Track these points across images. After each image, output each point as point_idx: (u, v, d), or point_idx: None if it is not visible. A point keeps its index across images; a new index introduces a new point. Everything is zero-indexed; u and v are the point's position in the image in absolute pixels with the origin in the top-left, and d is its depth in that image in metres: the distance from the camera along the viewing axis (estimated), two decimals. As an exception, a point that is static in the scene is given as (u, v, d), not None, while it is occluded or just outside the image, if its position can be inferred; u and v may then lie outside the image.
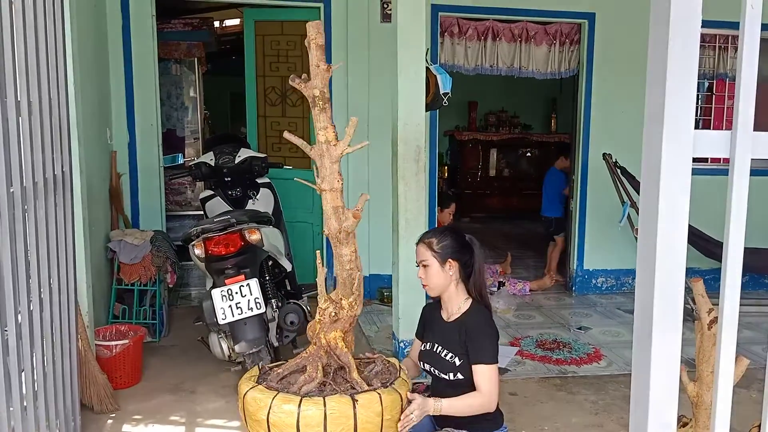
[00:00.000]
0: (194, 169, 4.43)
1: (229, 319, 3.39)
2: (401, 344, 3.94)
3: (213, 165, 4.38)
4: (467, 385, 2.42)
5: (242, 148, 4.49)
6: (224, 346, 3.59)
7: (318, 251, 2.36)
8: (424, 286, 2.54)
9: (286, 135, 2.24)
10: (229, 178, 4.39)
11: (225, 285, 3.44)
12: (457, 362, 2.44)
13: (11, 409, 2.08)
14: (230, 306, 3.40)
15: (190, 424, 3.37)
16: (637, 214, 5.38)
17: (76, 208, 3.18)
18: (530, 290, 5.96)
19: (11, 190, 2.13)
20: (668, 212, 1.65)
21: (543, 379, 3.99)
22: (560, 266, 6.36)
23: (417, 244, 2.56)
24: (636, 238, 5.46)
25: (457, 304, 2.52)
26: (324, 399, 2.03)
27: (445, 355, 2.48)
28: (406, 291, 3.94)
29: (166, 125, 6.16)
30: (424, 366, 2.58)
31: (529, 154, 10.65)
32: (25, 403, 2.24)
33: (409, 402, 2.23)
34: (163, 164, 5.36)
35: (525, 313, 5.39)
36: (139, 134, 5.23)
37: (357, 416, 2.04)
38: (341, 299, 2.23)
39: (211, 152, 4.49)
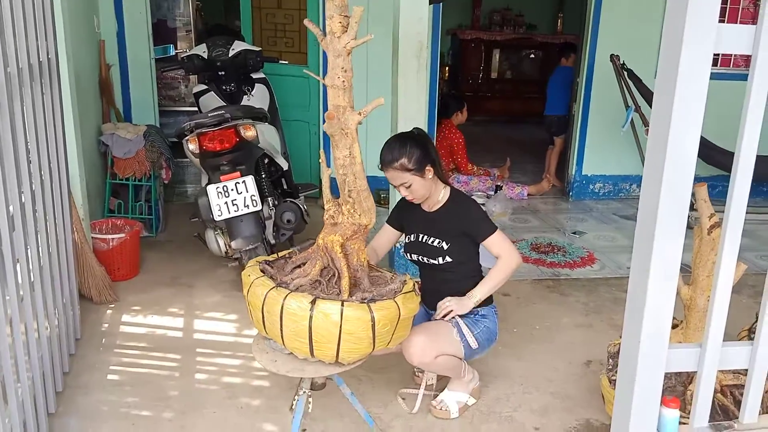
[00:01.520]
0: (186, 61, 4.27)
1: (225, 215, 3.37)
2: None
3: (206, 58, 4.23)
4: (457, 266, 2.58)
5: (236, 41, 4.32)
6: (221, 242, 3.59)
7: (322, 150, 2.37)
8: (411, 200, 2.57)
9: (306, 22, 2.14)
10: (222, 72, 4.25)
11: (220, 181, 3.39)
12: (445, 246, 2.57)
13: (7, 297, 2.08)
14: (226, 203, 3.37)
15: (188, 315, 3.43)
16: (641, 118, 5.31)
17: (64, 97, 3.08)
18: (528, 194, 5.95)
19: (-6, 75, 2.03)
20: (683, 111, 1.58)
21: (536, 281, 4.04)
22: (559, 171, 6.32)
23: (384, 169, 2.50)
24: (638, 144, 5.41)
25: (437, 195, 2.61)
26: (285, 298, 2.03)
27: (432, 242, 2.58)
28: (403, 192, 3.90)
29: (156, 15, 5.88)
30: (411, 257, 2.69)
31: (532, 56, 10.34)
32: (21, 293, 2.24)
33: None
34: (155, 56, 5.17)
35: (521, 217, 5.40)
36: (127, 23, 5.01)
37: (312, 324, 2.02)
38: (342, 204, 2.19)
39: (204, 44, 4.32)
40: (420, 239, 2.62)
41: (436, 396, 2.69)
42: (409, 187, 2.49)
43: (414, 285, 2.28)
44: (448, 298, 2.53)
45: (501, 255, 2.52)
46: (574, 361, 3.09)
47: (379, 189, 5.49)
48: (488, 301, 2.64)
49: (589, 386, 2.87)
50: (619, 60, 5.34)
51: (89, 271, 3.41)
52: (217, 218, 3.38)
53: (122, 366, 2.92)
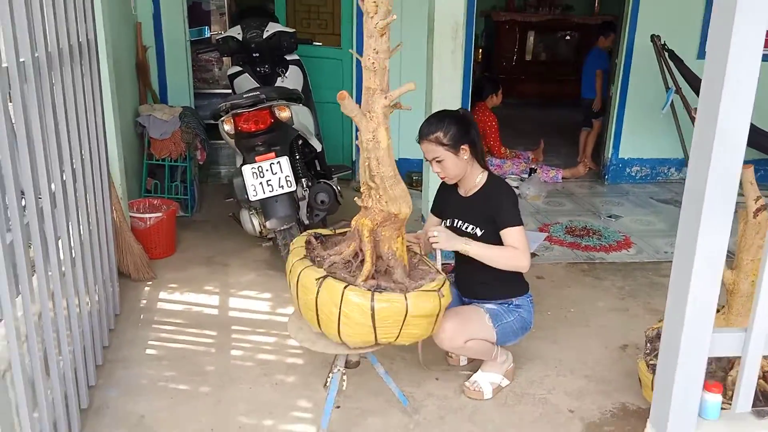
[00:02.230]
0: (221, 43, 4.30)
1: (260, 196, 3.40)
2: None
3: (240, 39, 4.24)
4: None
5: (270, 23, 4.33)
6: (255, 222, 3.62)
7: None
8: (442, 178, 2.55)
9: None
10: (257, 54, 4.26)
11: (255, 162, 3.41)
12: (479, 233, 2.53)
13: (50, 273, 2.13)
14: (261, 183, 3.39)
15: (223, 293, 3.48)
16: (682, 100, 5.16)
17: (103, 78, 3.12)
18: (563, 178, 5.86)
19: (36, 55, 2.07)
20: (733, 89, 1.53)
21: (571, 265, 4.00)
22: (594, 155, 6.21)
23: (420, 141, 2.50)
24: (678, 127, 5.29)
25: (473, 179, 2.57)
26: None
27: (466, 228, 2.56)
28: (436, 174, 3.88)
29: (191, -3, 5.92)
30: None
31: (568, 37, 10.13)
32: (63, 269, 2.29)
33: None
34: (190, 38, 5.20)
35: (555, 200, 5.33)
36: (163, 5, 5.03)
37: (318, 299, 2.07)
38: (370, 189, 2.17)
39: (239, 26, 4.33)
40: (455, 224, 2.60)
41: (469, 377, 2.68)
42: (441, 162, 2.46)
43: (440, 285, 2.18)
44: (440, 228, 2.47)
45: (517, 249, 2.45)
46: (610, 345, 3.05)
47: (411, 171, 5.47)
48: (523, 290, 2.62)
49: (625, 370, 2.84)
50: (659, 40, 5.20)
51: (128, 249, 3.47)
52: (252, 198, 3.41)
53: (160, 341, 2.98)
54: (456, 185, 2.63)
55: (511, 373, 2.72)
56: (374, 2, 2.00)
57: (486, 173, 2.57)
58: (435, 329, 2.25)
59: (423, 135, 2.48)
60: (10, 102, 1.86)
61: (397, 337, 2.12)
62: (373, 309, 2.02)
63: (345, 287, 2.03)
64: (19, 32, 1.92)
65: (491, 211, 2.48)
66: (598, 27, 6.70)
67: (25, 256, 1.88)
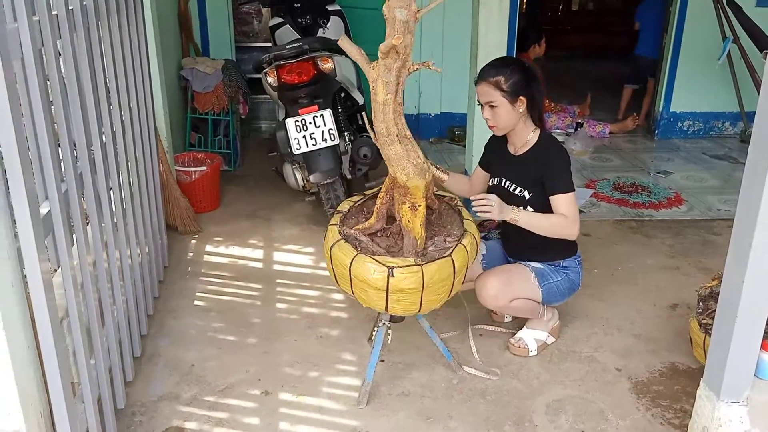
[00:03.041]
0: (263, -7, 4.24)
1: (304, 149, 3.38)
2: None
3: (282, -11, 4.18)
4: None
5: None
6: (298, 176, 3.61)
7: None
8: (491, 126, 2.43)
9: None
10: (298, 4, 4.20)
11: (299, 115, 3.38)
12: (527, 195, 2.43)
13: (103, 224, 2.16)
14: (304, 136, 3.36)
15: (267, 247, 3.51)
16: (739, 50, 4.96)
17: (148, 30, 3.11)
18: (610, 132, 5.70)
19: (83, 3, 2.05)
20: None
21: (618, 222, 3.91)
22: (639, 108, 5.98)
23: (478, 82, 2.38)
24: (734, 79, 5.06)
25: (524, 137, 2.46)
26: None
27: (514, 190, 2.46)
28: (481, 130, 3.79)
29: (231, -54, 5.84)
30: None
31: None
32: (115, 220, 2.33)
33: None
34: (231, -11, 5.15)
35: (602, 156, 5.19)
36: (204, -46, 4.99)
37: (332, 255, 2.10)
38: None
39: (280, -25, 4.26)
40: (502, 184, 2.51)
41: (514, 334, 2.67)
42: (494, 108, 2.35)
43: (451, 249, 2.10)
44: (492, 196, 2.29)
45: (567, 216, 2.34)
46: (659, 304, 2.99)
47: (453, 126, 5.39)
48: (571, 252, 2.54)
49: (675, 329, 2.78)
50: (717, -14, 4.96)
51: (174, 202, 3.51)
52: (295, 152, 3.39)
53: (207, 293, 3.03)
54: (506, 141, 2.54)
55: (557, 330, 2.69)
56: None
57: (538, 131, 2.45)
58: (455, 289, 2.18)
59: (483, 76, 2.36)
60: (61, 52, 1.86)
61: (420, 306, 2.10)
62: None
63: (354, 257, 2.04)
64: (67, -19, 1.90)
65: (541, 173, 2.38)
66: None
67: (79, 205, 1.90)
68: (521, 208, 2.40)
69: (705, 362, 2.06)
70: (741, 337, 1.85)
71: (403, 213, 2.11)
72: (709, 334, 2.17)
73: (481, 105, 2.40)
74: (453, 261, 2.05)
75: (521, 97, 2.35)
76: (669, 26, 5.42)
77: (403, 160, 2.03)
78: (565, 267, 2.53)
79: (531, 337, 2.62)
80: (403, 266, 1.99)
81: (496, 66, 2.38)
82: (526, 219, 2.34)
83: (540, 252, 2.50)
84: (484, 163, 2.69)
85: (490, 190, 2.59)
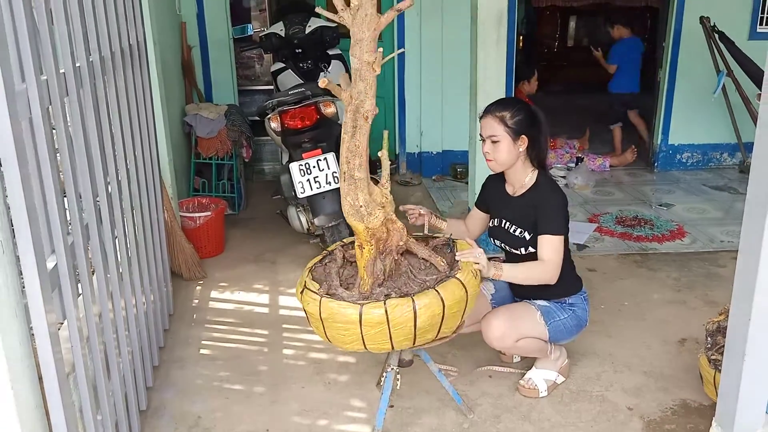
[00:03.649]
0: (264, 40, 4.32)
1: (308, 192, 3.41)
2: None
3: (283, 36, 4.25)
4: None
5: (312, 18, 4.32)
6: (303, 219, 3.63)
7: (386, 131, 2.18)
8: (489, 161, 2.44)
9: None
10: (300, 50, 4.27)
11: (302, 159, 3.42)
12: (527, 236, 2.44)
13: (108, 275, 2.17)
14: (308, 180, 3.40)
15: (272, 291, 3.50)
16: (734, 83, 5.02)
17: (153, 80, 3.17)
18: (610, 166, 5.73)
19: (90, 60, 2.09)
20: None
21: (623, 256, 3.90)
22: (641, 141, 6.02)
23: (483, 117, 2.42)
24: (730, 111, 5.12)
25: (523, 178, 2.48)
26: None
27: (514, 231, 2.47)
28: (483, 167, 3.81)
29: (232, -5, 5.97)
30: (494, 242, 2.59)
31: (611, 21, 9.90)
32: (120, 270, 2.33)
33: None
34: (233, 35, 5.24)
35: (604, 190, 5.21)
36: (207, 5, 5.10)
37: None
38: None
39: (281, 23, 4.34)
40: (503, 225, 2.52)
41: (523, 374, 2.64)
42: (496, 143, 2.37)
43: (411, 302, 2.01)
44: (480, 252, 2.17)
45: (543, 258, 2.33)
46: (668, 339, 2.97)
47: (455, 163, 5.43)
48: (576, 288, 2.55)
49: (685, 365, 2.76)
50: (709, 22, 5.04)
51: (179, 248, 3.52)
52: (300, 195, 3.42)
53: (213, 341, 3.01)
54: (504, 181, 2.56)
55: (566, 369, 2.66)
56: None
57: (536, 173, 2.47)
58: (441, 330, 2.10)
59: (489, 110, 2.40)
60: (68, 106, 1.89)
61: (414, 340, 2.06)
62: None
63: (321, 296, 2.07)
64: (75, 38, 1.95)
65: (536, 214, 2.39)
66: (639, 12, 6.41)
67: (85, 257, 1.91)
68: (519, 249, 2.42)
69: (716, 399, 2.04)
70: (750, 374, 1.84)
71: (356, 251, 2.13)
72: (719, 370, 2.16)
73: (483, 139, 2.42)
74: (414, 304, 1.98)
75: (523, 136, 2.38)
76: (663, 61, 5.50)
77: (344, 198, 2.05)
78: (572, 304, 2.52)
79: (540, 377, 2.59)
80: (344, 302, 2.03)
81: (503, 102, 2.44)
82: (508, 273, 2.29)
83: (544, 290, 2.48)
84: (481, 204, 2.70)
85: (491, 231, 2.61)
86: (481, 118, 2.43)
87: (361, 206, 2.03)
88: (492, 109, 2.40)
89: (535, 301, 2.51)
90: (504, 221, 2.52)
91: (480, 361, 2.79)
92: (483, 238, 2.97)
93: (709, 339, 2.53)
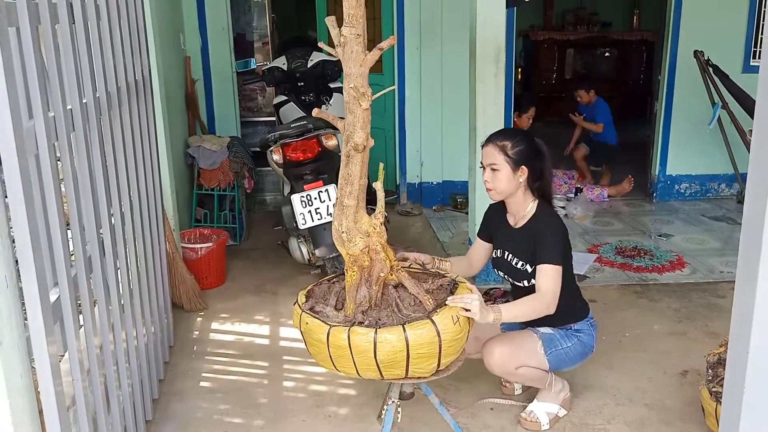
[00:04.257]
0: (267, 73, 4.39)
1: (309, 224, 3.43)
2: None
3: (286, 69, 4.33)
4: None
5: (314, 52, 4.40)
6: (304, 250, 3.65)
7: (381, 163, 2.24)
8: (488, 190, 2.44)
9: (327, 20, 1.98)
10: (302, 83, 4.34)
11: (304, 191, 3.46)
12: (529, 269, 2.44)
13: (110, 306, 2.18)
14: (309, 211, 3.43)
15: (273, 323, 3.50)
16: (729, 115, 5.08)
17: (157, 113, 3.21)
18: (608, 196, 5.76)
19: (96, 95, 2.14)
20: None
21: (623, 287, 3.91)
22: (641, 171, 6.07)
23: (486, 144, 2.43)
24: (726, 142, 5.16)
25: (523, 209, 2.48)
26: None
27: (516, 263, 2.47)
28: (483, 197, 3.85)
29: (235, 29, 6.07)
30: (498, 273, 2.60)
31: (607, 54, 10.04)
32: (122, 301, 2.34)
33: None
34: (236, 69, 5.33)
35: (603, 220, 5.24)
36: (211, 39, 5.19)
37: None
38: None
39: (283, 56, 4.42)
40: (505, 257, 2.53)
41: (524, 407, 2.63)
42: (495, 171, 2.38)
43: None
44: (475, 297, 2.10)
45: (540, 289, 2.32)
46: (669, 371, 2.96)
47: (455, 193, 5.47)
48: (583, 315, 2.55)
49: (687, 398, 2.74)
50: (703, 56, 5.12)
51: (180, 279, 3.53)
52: (301, 227, 3.44)
53: (213, 373, 3.00)
54: (505, 212, 2.57)
55: (569, 402, 2.65)
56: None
57: (536, 202, 2.48)
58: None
59: (491, 139, 2.42)
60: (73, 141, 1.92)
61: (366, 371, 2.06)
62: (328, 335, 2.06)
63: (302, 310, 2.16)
64: (82, 74, 1.99)
65: (534, 246, 2.38)
66: (635, 45, 6.51)
67: (87, 289, 1.93)
68: (522, 282, 2.43)
69: (719, 433, 2.03)
70: (751, 408, 1.83)
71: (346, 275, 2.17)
72: (720, 403, 2.15)
73: (483, 167, 2.43)
74: (375, 336, 1.96)
75: (523, 167, 2.39)
76: (659, 93, 5.58)
77: (333, 222, 2.12)
78: (577, 330, 2.51)
79: (542, 410, 2.58)
80: (317, 320, 2.07)
81: (505, 132, 2.47)
82: (507, 315, 2.25)
83: (549, 317, 2.44)
84: (484, 233, 2.70)
85: (494, 261, 2.61)
86: (483, 146, 2.45)
87: (343, 232, 2.07)
88: (494, 138, 2.42)
89: (539, 328, 2.50)
90: (506, 253, 2.53)
91: (482, 393, 2.78)
92: (486, 269, 2.98)
93: (710, 371, 2.52)
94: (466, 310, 2.07)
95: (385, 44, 1.93)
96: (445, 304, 2.08)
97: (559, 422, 2.59)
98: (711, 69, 5.10)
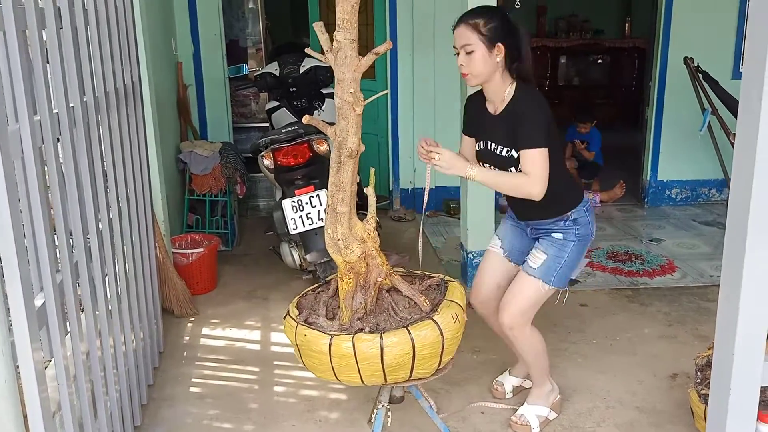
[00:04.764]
0: (259, 79, 4.40)
1: (300, 229, 3.43)
2: (469, 255, 3.92)
3: (278, 75, 4.33)
4: None
5: (307, 58, 4.41)
6: (295, 255, 3.65)
7: (372, 168, 2.25)
8: (464, 75, 2.29)
9: (315, 26, 1.96)
10: (294, 89, 4.34)
11: (295, 195, 3.46)
12: (515, 155, 2.28)
13: (97, 312, 2.17)
14: (301, 216, 3.43)
15: (264, 328, 3.50)
16: (719, 121, 5.10)
17: (147, 119, 3.21)
18: (600, 201, 5.78)
19: (84, 99, 2.14)
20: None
21: (614, 291, 3.91)
22: (633, 177, 6.10)
23: (456, 26, 2.27)
24: (716, 148, 5.18)
25: (502, 93, 2.31)
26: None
27: (501, 151, 2.32)
28: (474, 202, 3.86)
29: (228, 36, 6.08)
30: (484, 165, 2.42)
31: (600, 61, 10.09)
32: (110, 307, 2.34)
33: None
34: (228, 75, 5.33)
35: (595, 225, 5.24)
36: (203, 45, 5.19)
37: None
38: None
39: (276, 62, 4.43)
40: (489, 147, 2.36)
41: (515, 411, 2.63)
42: (470, 54, 2.21)
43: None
44: (446, 151, 2.19)
45: (527, 173, 2.20)
46: (659, 374, 2.96)
47: (448, 199, 5.47)
48: (577, 201, 2.44)
49: (677, 400, 2.75)
50: (693, 62, 5.15)
51: (170, 285, 3.52)
52: (292, 232, 3.44)
53: (203, 378, 2.99)
54: (484, 101, 2.39)
55: (558, 405, 2.66)
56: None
57: (515, 85, 2.29)
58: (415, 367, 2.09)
59: (462, 19, 2.25)
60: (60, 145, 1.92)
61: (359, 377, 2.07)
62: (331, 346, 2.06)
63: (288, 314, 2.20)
64: (69, 78, 1.99)
65: (516, 129, 2.22)
66: (627, 52, 6.54)
67: (74, 294, 1.92)
68: (509, 170, 2.30)
69: (707, 435, 2.03)
70: (736, 410, 1.84)
71: (339, 283, 2.16)
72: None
73: (457, 52, 2.28)
74: (381, 341, 1.99)
75: (499, 45, 2.22)
76: (650, 99, 5.61)
77: (326, 230, 2.11)
78: (575, 220, 2.43)
79: (533, 413, 2.58)
80: (316, 332, 2.06)
81: (476, 10, 2.31)
82: (482, 176, 2.22)
83: (545, 208, 2.35)
84: (469, 130, 2.53)
85: (478, 154, 2.45)
86: (454, 28, 2.29)
87: (339, 239, 2.06)
88: (465, 17, 2.26)
89: (530, 265, 2.41)
90: (489, 142, 2.37)
91: (472, 396, 2.78)
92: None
93: (698, 374, 2.53)
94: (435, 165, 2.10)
95: (380, 49, 1.94)
96: (441, 301, 2.13)
97: (549, 425, 2.59)
98: (701, 75, 5.13)
